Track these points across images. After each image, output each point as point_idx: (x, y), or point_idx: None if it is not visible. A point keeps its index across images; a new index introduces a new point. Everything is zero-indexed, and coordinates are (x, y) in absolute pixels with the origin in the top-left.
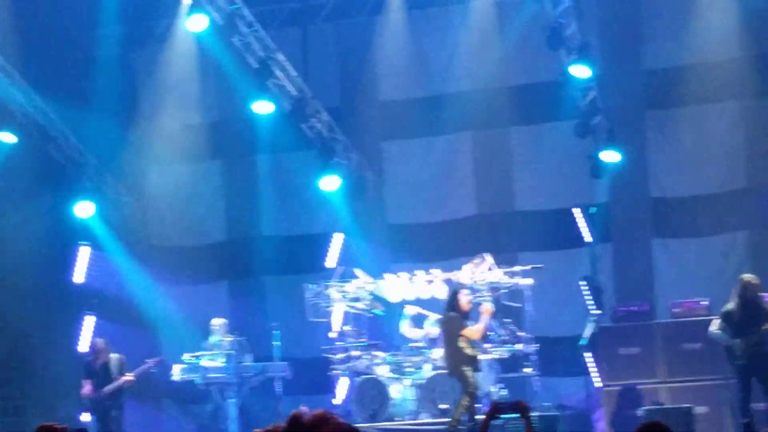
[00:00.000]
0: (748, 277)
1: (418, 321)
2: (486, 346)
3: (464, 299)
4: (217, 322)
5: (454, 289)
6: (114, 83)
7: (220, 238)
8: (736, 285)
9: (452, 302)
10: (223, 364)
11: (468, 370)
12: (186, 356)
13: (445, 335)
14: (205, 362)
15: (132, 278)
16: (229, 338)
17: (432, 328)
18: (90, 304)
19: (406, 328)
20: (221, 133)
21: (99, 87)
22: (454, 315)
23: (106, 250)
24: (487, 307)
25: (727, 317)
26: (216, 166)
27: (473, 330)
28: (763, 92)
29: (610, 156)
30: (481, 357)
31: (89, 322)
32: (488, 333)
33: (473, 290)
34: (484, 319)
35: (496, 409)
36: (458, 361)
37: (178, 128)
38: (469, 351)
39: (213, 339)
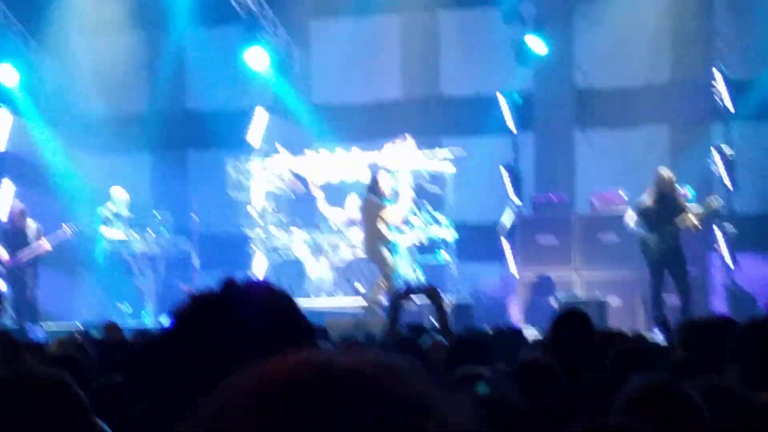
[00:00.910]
0: (664, 171)
1: (336, 201)
2: (405, 230)
3: (384, 182)
4: (118, 191)
5: (375, 172)
6: None
7: (144, 110)
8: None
9: (373, 185)
10: (145, 238)
11: (385, 252)
12: (105, 230)
13: (365, 217)
14: (120, 234)
15: (52, 146)
16: (127, 212)
17: (352, 208)
18: (8, 171)
19: (325, 207)
20: (147, 3)
21: None
22: (373, 197)
23: (27, 116)
24: (408, 191)
25: (642, 211)
26: (141, 35)
27: (392, 213)
28: None
29: (537, 44)
30: (399, 241)
31: (7, 189)
32: (407, 217)
33: (394, 173)
34: (404, 204)
35: (407, 291)
36: (376, 242)
37: None
38: (386, 233)
39: (114, 208)
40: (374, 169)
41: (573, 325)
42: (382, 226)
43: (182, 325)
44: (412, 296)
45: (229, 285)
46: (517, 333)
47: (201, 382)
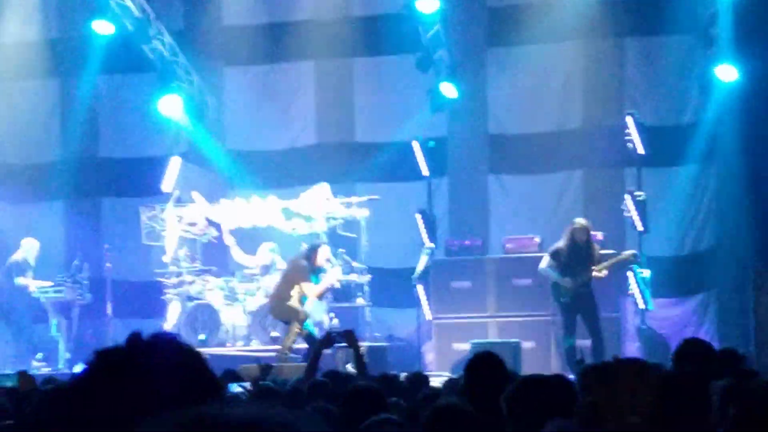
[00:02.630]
0: (579, 221)
1: (252, 247)
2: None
3: (322, 256)
4: (28, 241)
5: (318, 244)
6: None
7: (56, 158)
8: (568, 223)
9: (309, 253)
10: (59, 286)
11: (293, 304)
12: (19, 280)
13: (285, 275)
14: (31, 282)
15: None
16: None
17: (265, 255)
18: None
19: (238, 254)
20: (60, 51)
21: None
22: (303, 264)
23: None
24: (333, 276)
25: (555, 256)
26: (53, 84)
27: (311, 288)
28: (601, 33)
29: (450, 90)
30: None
31: None
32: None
33: (309, 219)
34: (324, 285)
35: (328, 338)
36: (283, 302)
37: (16, 44)
38: (294, 303)
39: (24, 257)
40: (317, 242)
41: (486, 368)
42: (293, 293)
43: (87, 379)
44: (332, 343)
45: (135, 339)
46: (424, 378)
47: None
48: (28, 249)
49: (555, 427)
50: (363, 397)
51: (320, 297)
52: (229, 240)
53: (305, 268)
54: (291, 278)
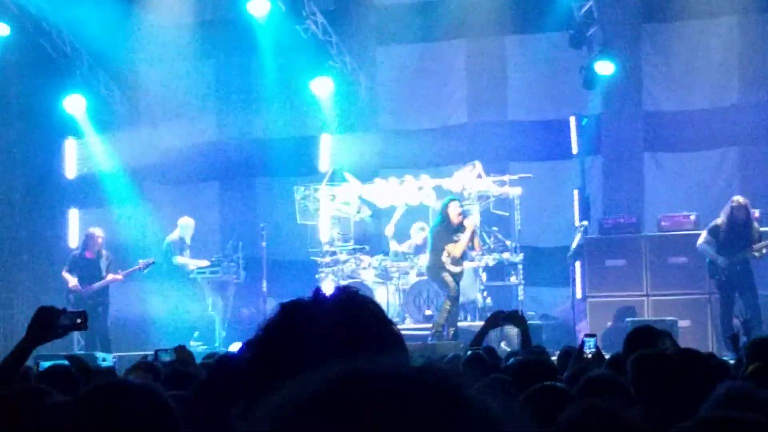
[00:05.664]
0: (738, 198)
1: (402, 230)
2: (472, 253)
3: (454, 211)
4: (185, 220)
5: (446, 201)
6: None
7: (212, 138)
8: (725, 200)
9: (443, 213)
10: (215, 265)
11: (448, 276)
12: (177, 259)
13: (431, 244)
14: (188, 262)
15: (120, 176)
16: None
17: (417, 235)
18: (78, 200)
19: (393, 245)
20: (215, 32)
21: None
22: (442, 226)
23: (96, 146)
24: (472, 221)
25: (713, 233)
26: (208, 65)
27: (457, 246)
28: (758, 8)
29: (604, 68)
30: (466, 265)
31: (75, 217)
32: (468, 250)
33: (462, 198)
34: (467, 235)
35: (496, 318)
36: (439, 269)
37: (172, 26)
38: (450, 266)
39: (181, 236)
40: (445, 197)
41: (646, 341)
42: (445, 258)
43: (271, 331)
44: (499, 322)
45: (318, 292)
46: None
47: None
48: (184, 227)
49: (725, 387)
50: (533, 367)
51: (472, 245)
52: (389, 231)
53: (444, 229)
54: (436, 244)
